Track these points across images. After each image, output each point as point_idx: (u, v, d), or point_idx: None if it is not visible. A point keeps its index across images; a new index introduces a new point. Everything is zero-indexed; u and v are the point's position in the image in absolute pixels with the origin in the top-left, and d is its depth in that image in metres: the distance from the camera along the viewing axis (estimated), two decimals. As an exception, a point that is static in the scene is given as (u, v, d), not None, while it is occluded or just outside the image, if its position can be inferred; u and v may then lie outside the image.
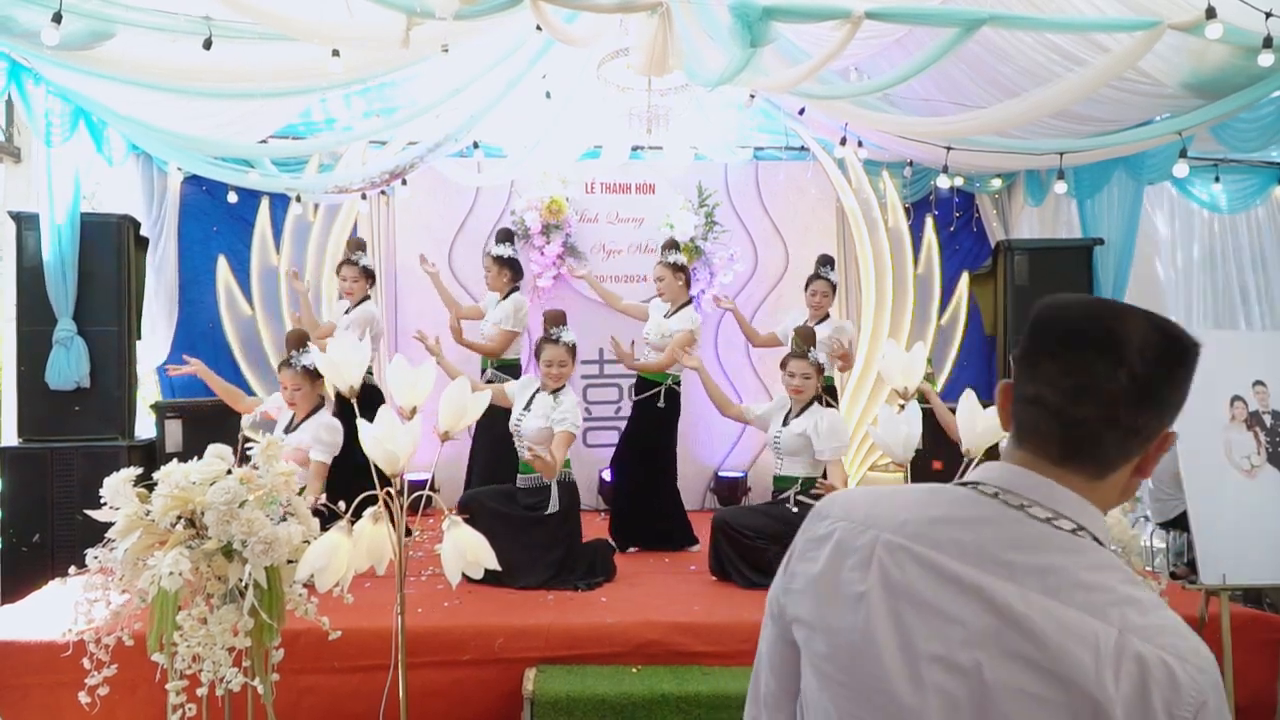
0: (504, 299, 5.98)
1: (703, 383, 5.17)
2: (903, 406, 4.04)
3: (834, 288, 6.10)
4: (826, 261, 6.16)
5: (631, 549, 5.51)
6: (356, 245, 5.95)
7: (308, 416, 4.67)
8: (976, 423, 3.63)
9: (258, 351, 6.83)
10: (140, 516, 3.19)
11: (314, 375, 4.61)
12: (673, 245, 5.94)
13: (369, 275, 5.90)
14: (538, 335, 5.26)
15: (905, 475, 3.61)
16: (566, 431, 4.65)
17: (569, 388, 4.87)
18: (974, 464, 3.60)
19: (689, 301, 5.84)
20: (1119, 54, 4.52)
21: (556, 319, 5.03)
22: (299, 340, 4.81)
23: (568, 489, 4.80)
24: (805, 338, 4.96)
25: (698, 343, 5.74)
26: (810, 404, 4.80)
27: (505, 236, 6.18)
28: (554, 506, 4.71)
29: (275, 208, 6.87)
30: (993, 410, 3.65)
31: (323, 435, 4.60)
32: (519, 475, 4.88)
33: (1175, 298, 7.08)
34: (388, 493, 3.17)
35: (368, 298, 5.94)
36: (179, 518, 3.18)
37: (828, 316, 6.09)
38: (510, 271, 6.04)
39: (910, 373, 4.13)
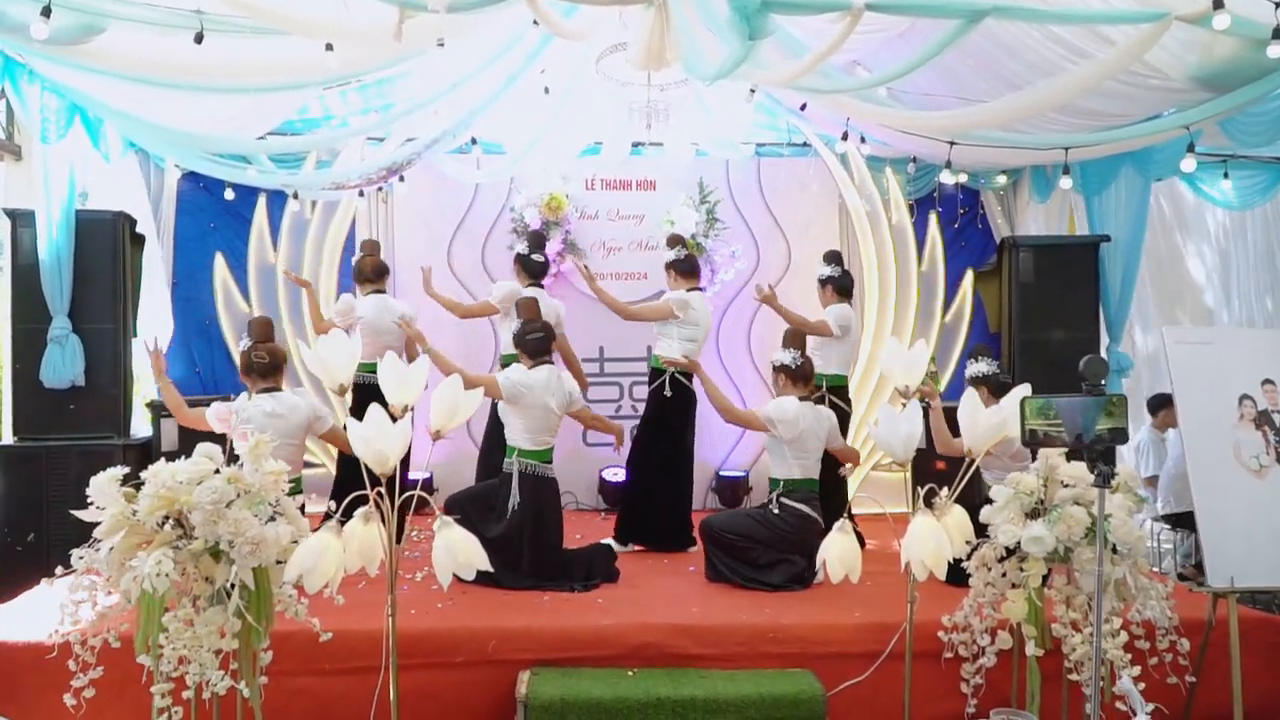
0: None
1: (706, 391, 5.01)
2: (904, 405, 3.95)
3: (826, 282, 5.82)
4: (826, 257, 5.98)
5: (634, 546, 5.46)
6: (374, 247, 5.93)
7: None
8: (978, 421, 3.55)
9: (255, 349, 6.76)
10: (126, 516, 3.16)
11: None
12: (678, 241, 5.81)
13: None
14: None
15: (906, 475, 3.52)
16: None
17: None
18: (975, 464, 3.53)
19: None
20: (1125, 47, 4.42)
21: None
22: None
23: (531, 482, 4.63)
24: (784, 340, 4.95)
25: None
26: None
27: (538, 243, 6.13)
28: (514, 498, 4.60)
29: (272, 205, 6.84)
30: (995, 408, 3.58)
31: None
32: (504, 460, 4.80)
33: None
34: (378, 492, 3.11)
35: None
36: (166, 518, 3.15)
37: None
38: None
39: (912, 371, 4.05)
